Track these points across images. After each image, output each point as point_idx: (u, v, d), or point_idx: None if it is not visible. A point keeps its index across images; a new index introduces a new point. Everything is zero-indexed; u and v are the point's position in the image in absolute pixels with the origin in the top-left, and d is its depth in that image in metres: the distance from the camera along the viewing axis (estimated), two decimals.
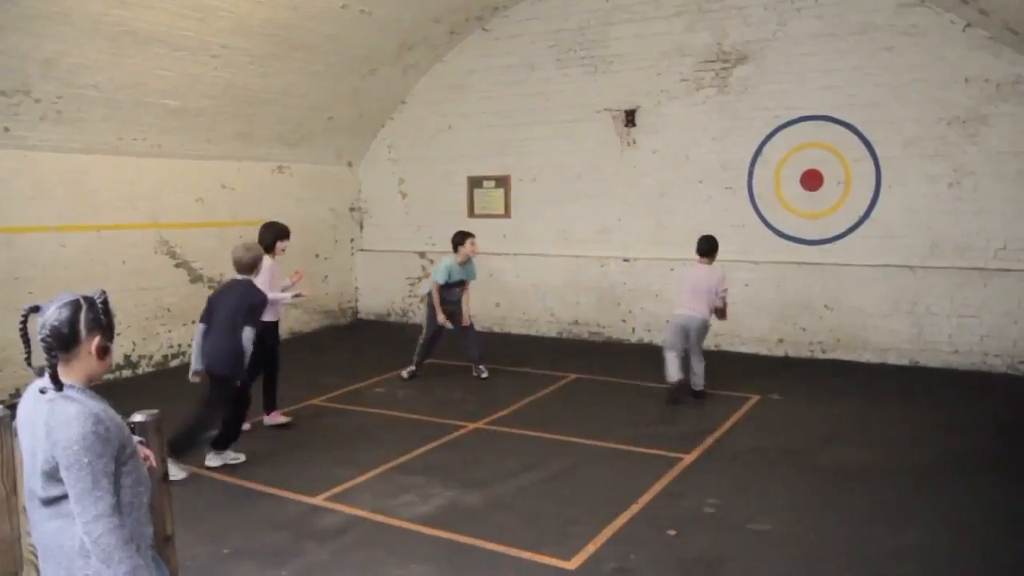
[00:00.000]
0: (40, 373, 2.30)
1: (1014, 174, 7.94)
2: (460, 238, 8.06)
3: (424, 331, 8.17)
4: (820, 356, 8.94)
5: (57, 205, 7.85)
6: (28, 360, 2.35)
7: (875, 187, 8.58)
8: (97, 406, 2.29)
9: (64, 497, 2.24)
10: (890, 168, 8.49)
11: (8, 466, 2.73)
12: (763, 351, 9.24)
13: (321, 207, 11.37)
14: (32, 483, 2.32)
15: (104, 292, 2.39)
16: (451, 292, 8.05)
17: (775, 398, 7.34)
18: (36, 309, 2.34)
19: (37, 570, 2.69)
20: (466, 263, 8.09)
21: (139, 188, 8.68)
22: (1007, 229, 8.01)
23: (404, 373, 8.23)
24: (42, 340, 2.26)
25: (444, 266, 8.02)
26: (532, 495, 5.08)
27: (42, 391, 2.26)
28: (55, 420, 2.21)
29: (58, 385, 2.24)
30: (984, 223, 8.10)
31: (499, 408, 7.15)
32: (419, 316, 11.60)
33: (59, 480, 2.22)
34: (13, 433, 2.67)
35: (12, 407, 2.60)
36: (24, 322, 2.35)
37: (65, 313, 2.28)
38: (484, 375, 8.22)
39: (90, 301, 2.33)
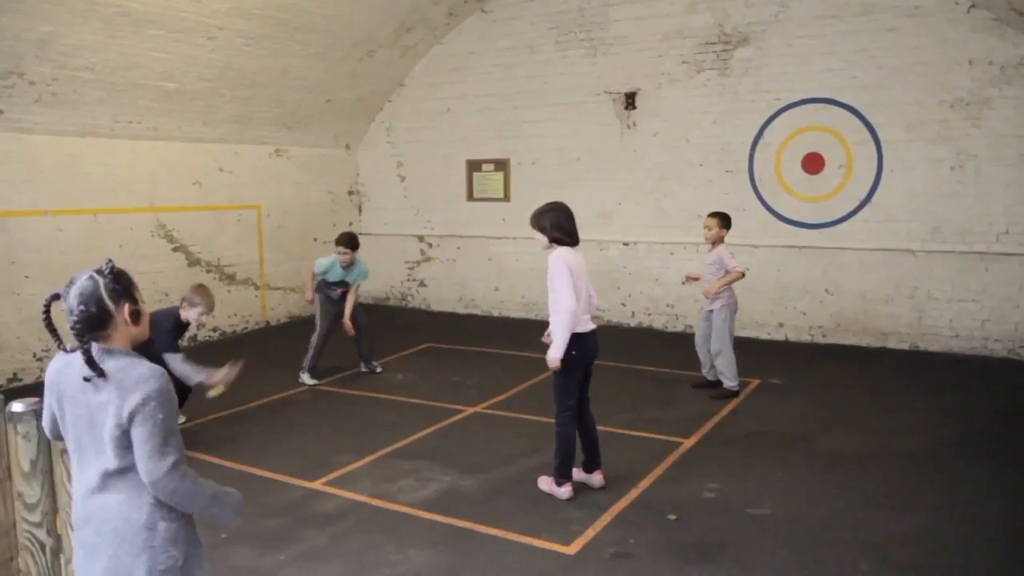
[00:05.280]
0: (76, 349, 2.25)
1: (1017, 157, 7.88)
2: (342, 239, 7.45)
3: (318, 325, 7.60)
4: (820, 340, 8.92)
5: (52, 188, 7.79)
6: (61, 348, 2.33)
7: (877, 170, 8.52)
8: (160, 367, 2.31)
9: (132, 468, 2.22)
10: (892, 151, 8.43)
11: (2, 451, 2.70)
12: (763, 335, 9.22)
13: (319, 191, 11.31)
14: (90, 459, 2.27)
15: (111, 260, 2.35)
16: (332, 290, 7.55)
17: (775, 383, 7.32)
18: (57, 297, 2.30)
19: (33, 556, 2.68)
20: (350, 266, 7.47)
21: (135, 171, 8.62)
22: (1009, 213, 7.96)
23: (305, 380, 7.54)
24: (72, 328, 2.22)
25: (326, 261, 7.47)
26: (532, 479, 5.06)
27: (86, 379, 2.20)
28: (130, 380, 2.20)
29: (98, 371, 2.19)
30: (986, 207, 8.06)
31: (498, 392, 7.14)
32: (417, 300, 11.62)
33: (129, 447, 2.20)
34: (7, 418, 2.64)
35: (6, 393, 2.57)
36: (47, 312, 2.33)
37: (87, 295, 2.24)
38: (378, 370, 7.88)
39: (103, 274, 2.29)
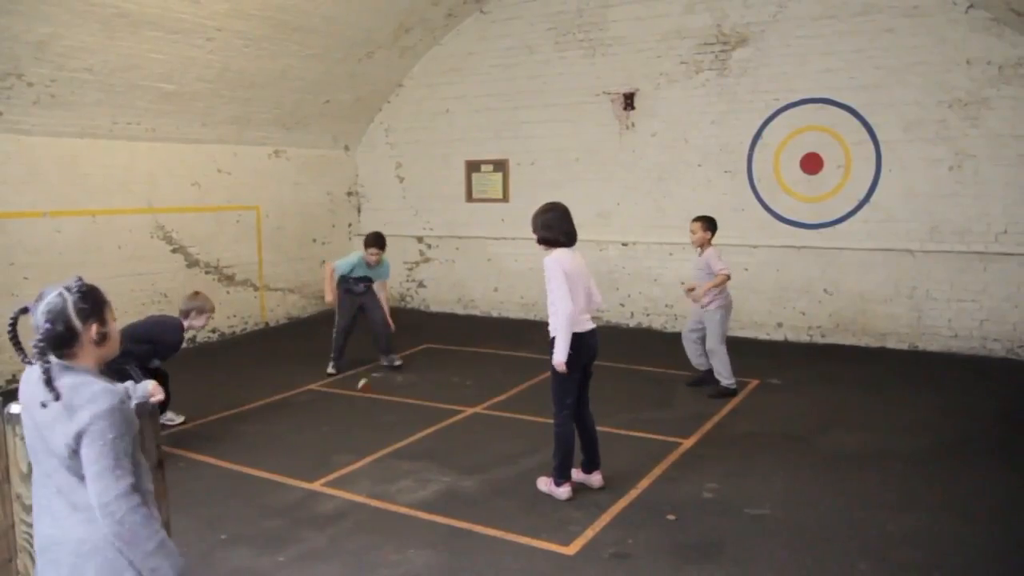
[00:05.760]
0: (32, 361, 2.24)
1: (1015, 157, 7.89)
2: (372, 240, 7.71)
3: (336, 320, 7.95)
4: (819, 340, 8.92)
5: (51, 190, 7.79)
6: (26, 361, 2.28)
7: (875, 170, 8.52)
8: (120, 386, 2.24)
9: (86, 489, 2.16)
10: (890, 151, 8.44)
11: (0, 453, 2.70)
12: (762, 336, 9.22)
13: (318, 191, 11.30)
14: (43, 477, 2.24)
15: (80, 278, 2.28)
16: (356, 284, 7.82)
17: (774, 383, 7.32)
18: (25, 311, 2.25)
19: (32, 557, 2.67)
20: (376, 265, 7.78)
21: (134, 173, 8.62)
22: (1008, 213, 7.97)
23: (330, 368, 7.88)
24: (35, 345, 2.17)
25: (350, 260, 7.73)
26: (531, 480, 5.06)
27: (43, 405, 2.14)
28: (80, 398, 2.13)
29: (54, 394, 2.13)
30: (985, 207, 8.06)
31: (498, 392, 7.14)
32: (416, 301, 11.62)
33: (81, 468, 2.14)
34: (5, 420, 2.63)
35: (4, 395, 2.56)
36: (13, 325, 2.26)
37: (55, 312, 2.19)
38: (397, 363, 8.07)
39: (72, 291, 2.23)
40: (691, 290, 7.16)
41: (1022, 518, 4.46)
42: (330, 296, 7.74)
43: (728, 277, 6.80)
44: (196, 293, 6.34)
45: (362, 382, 7.31)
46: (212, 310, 6.21)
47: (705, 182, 9.42)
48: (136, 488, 2.15)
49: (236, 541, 4.33)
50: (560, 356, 4.61)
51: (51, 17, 6.73)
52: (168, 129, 8.86)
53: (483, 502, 4.80)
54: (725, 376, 6.90)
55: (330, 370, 7.87)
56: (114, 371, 5.58)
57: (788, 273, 9.04)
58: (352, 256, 7.81)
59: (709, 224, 6.97)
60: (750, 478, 5.08)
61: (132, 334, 5.90)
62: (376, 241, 7.71)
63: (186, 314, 6.08)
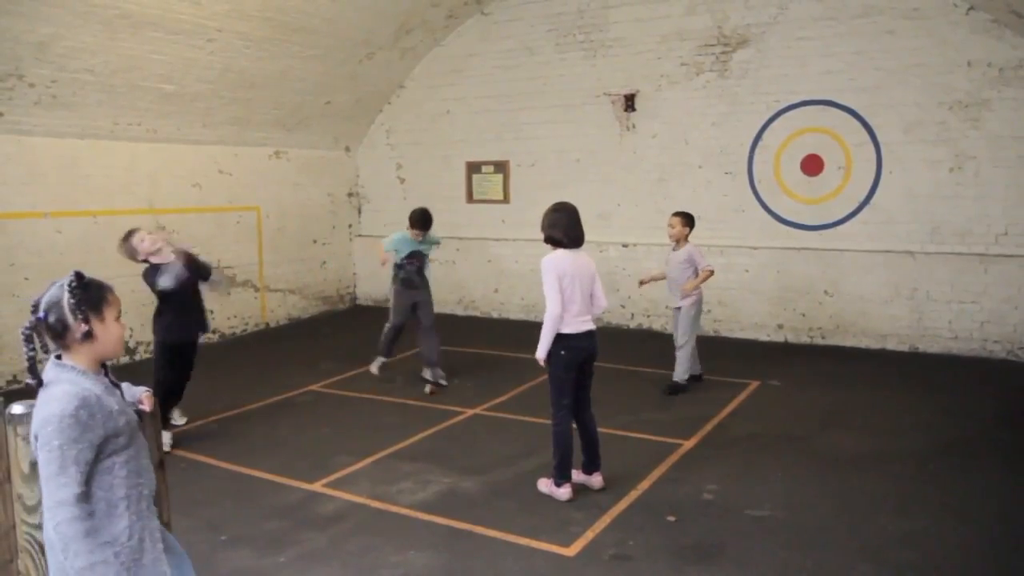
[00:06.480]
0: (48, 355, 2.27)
1: (1015, 159, 7.89)
2: (417, 220, 7.24)
3: (391, 317, 7.51)
4: (820, 342, 8.92)
5: (52, 190, 7.80)
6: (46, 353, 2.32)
7: (876, 172, 8.53)
8: (91, 389, 2.22)
9: None
10: (891, 153, 8.44)
11: (2, 453, 2.70)
12: (762, 337, 9.22)
13: (319, 192, 11.31)
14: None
15: (74, 274, 2.29)
16: (405, 268, 7.36)
17: (774, 384, 7.32)
18: (37, 304, 2.29)
19: (32, 558, 2.67)
20: (423, 238, 7.33)
21: (135, 173, 8.63)
22: (1008, 214, 7.97)
23: (374, 368, 7.54)
24: (23, 332, 2.21)
25: (395, 238, 7.34)
26: (531, 481, 5.06)
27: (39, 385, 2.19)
28: (43, 397, 2.17)
29: (37, 380, 2.18)
30: (985, 208, 8.06)
31: (498, 394, 7.14)
32: None
33: None
34: (6, 420, 2.64)
35: (6, 395, 2.57)
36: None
37: (52, 303, 2.23)
38: (443, 382, 7.29)
39: (71, 284, 2.26)
40: (649, 281, 7.42)
41: (1022, 519, 4.46)
42: (384, 261, 7.30)
43: (712, 272, 6.99)
44: (123, 239, 6.00)
45: (429, 388, 7.16)
46: (137, 230, 5.87)
47: (705, 183, 9.42)
48: (84, 498, 2.13)
49: (236, 542, 4.33)
50: (539, 353, 4.89)
51: (52, 18, 6.74)
52: (169, 130, 8.87)
53: (483, 503, 4.81)
54: (680, 373, 7.02)
55: (373, 370, 7.52)
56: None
57: (788, 274, 9.04)
58: (396, 234, 7.37)
59: (688, 220, 7.09)
60: (750, 479, 5.08)
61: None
62: (420, 221, 7.20)
63: (134, 254, 5.83)
